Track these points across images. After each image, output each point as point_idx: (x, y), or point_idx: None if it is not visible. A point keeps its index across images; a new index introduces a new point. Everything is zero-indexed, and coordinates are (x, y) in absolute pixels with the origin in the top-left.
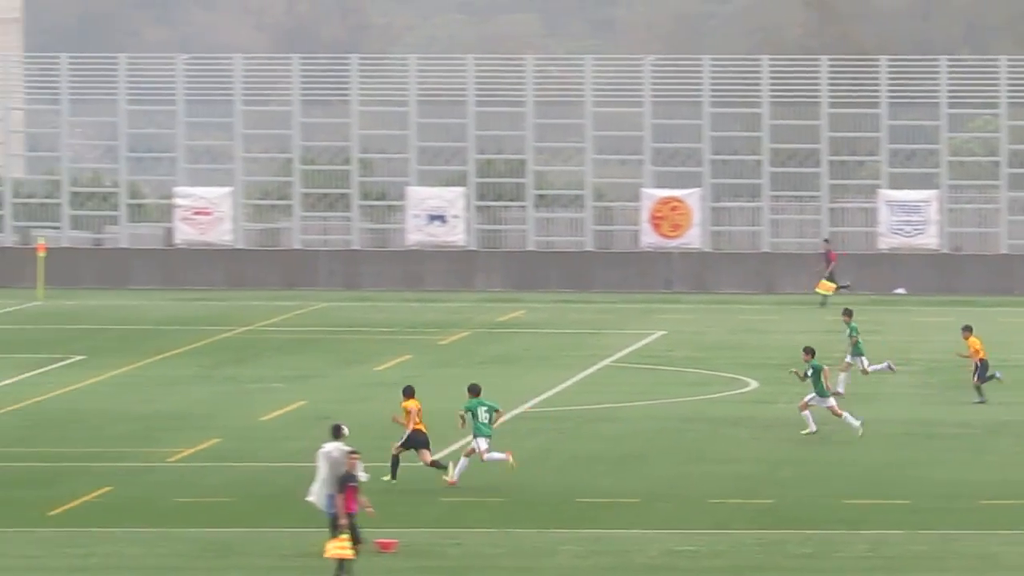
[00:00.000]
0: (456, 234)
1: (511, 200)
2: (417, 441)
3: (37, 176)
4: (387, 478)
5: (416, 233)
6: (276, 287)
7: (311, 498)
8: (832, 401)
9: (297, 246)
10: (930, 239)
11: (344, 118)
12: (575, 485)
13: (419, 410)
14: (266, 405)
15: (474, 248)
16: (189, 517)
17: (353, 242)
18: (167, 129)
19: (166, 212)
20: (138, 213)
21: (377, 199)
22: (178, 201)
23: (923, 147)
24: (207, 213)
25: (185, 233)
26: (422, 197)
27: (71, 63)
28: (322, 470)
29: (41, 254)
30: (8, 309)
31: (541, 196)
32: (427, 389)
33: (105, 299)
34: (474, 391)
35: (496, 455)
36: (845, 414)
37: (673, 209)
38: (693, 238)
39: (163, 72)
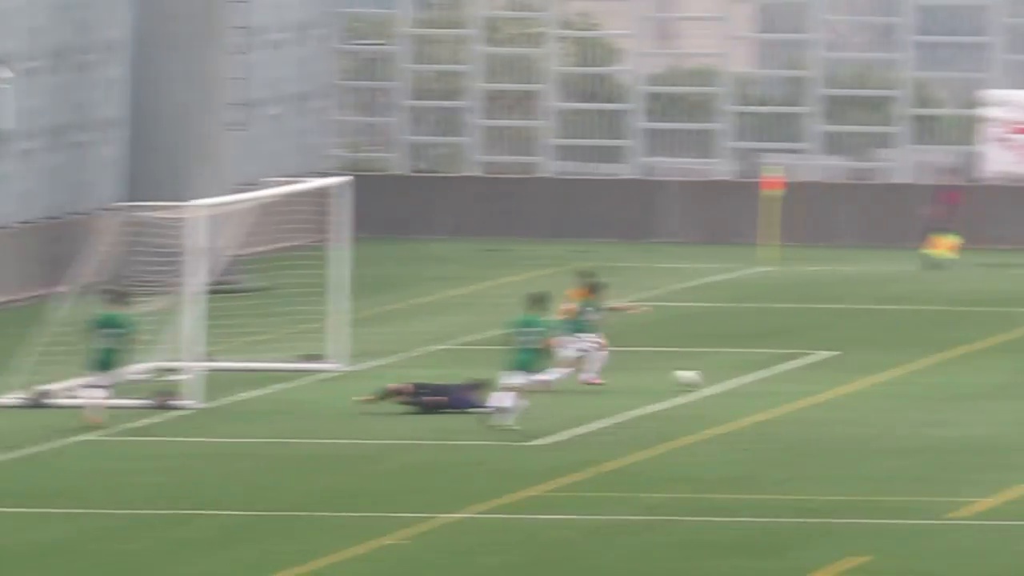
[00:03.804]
0: None
1: None
2: None
3: (770, 71)
4: None
5: None
6: None
7: None
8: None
9: None
10: None
11: None
12: None
13: None
14: None
15: None
16: None
17: None
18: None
19: (969, 129)
20: (926, 131)
21: None
22: (987, 112)
23: None
24: None
25: (999, 162)
26: None
27: None
28: None
29: (773, 192)
30: (720, 277)
31: None
32: None
33: (857, 263)
34: None
35: None
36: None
37: None
38: None
39: None
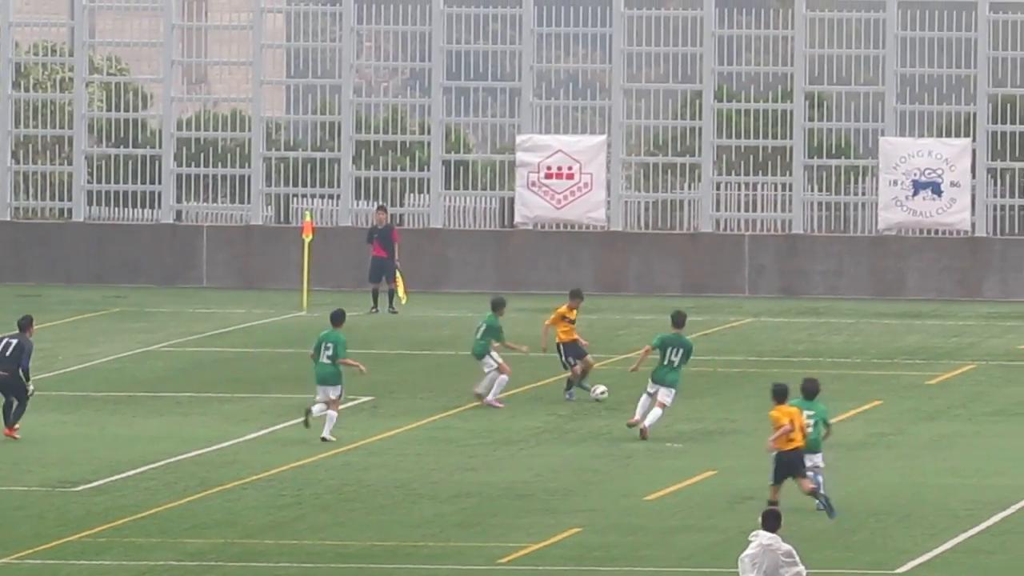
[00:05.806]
0: (958, 212)
1: None
2: None
3: (302, 116)
4: None
5: (894, 210)
6: (677, 292)
7: None
8: None
9: (707, 228)
10: None
11: (780, 28)
12: None
13: None
14: (655, 477)
15: (985, 235)
16: None
17: (794, 222)
18: (509, 44)
19: (503, 175)
20: (461, 175)
21: (833, 156)
22: (521, 157)
23: None
24: (567, 176)
25: (532, 208)
26: (904, 153)
27: None
28: None
29: (307, 237)
30: (255, 322)
31: None
32: (900, 455)
33: (403, 308)
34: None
35: None
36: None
37: None
38: None
39: None
